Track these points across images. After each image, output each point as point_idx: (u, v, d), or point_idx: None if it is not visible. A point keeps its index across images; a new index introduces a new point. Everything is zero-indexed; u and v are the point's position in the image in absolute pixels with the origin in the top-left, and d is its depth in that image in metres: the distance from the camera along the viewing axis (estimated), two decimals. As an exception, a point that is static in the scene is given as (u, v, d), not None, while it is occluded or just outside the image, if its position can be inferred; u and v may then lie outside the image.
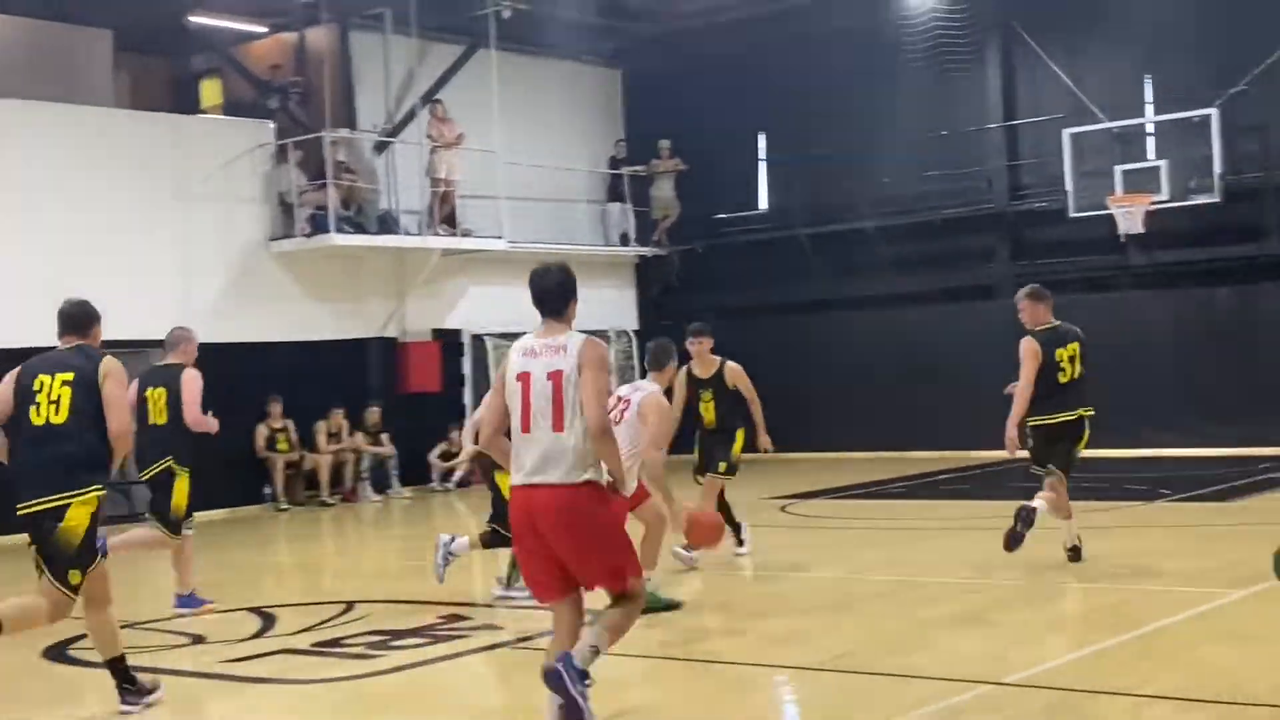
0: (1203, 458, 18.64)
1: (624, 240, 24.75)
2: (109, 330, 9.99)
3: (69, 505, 7.14)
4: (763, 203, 24.98)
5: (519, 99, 23.21)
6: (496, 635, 9.21)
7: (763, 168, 24.96)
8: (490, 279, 22.64)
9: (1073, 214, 19.81)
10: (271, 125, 19.98)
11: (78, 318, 7.64)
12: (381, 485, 20.08)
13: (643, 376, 10.81)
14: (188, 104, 21.43)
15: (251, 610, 10.53)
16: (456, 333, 22.07)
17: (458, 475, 20.83)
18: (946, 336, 21.82)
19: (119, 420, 7.32)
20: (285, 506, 18.86)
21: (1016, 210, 21.79)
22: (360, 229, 20.20)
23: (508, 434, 6.54)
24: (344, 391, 20.06)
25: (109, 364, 7.41)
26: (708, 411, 11.86)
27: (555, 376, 6.38)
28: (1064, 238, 21.08)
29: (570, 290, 6.64)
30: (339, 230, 19.34)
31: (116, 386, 7.38)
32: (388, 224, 20.63)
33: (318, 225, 19.24)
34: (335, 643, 9.14)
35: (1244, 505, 14.26)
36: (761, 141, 24.92)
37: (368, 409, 20.00)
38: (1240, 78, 19.80)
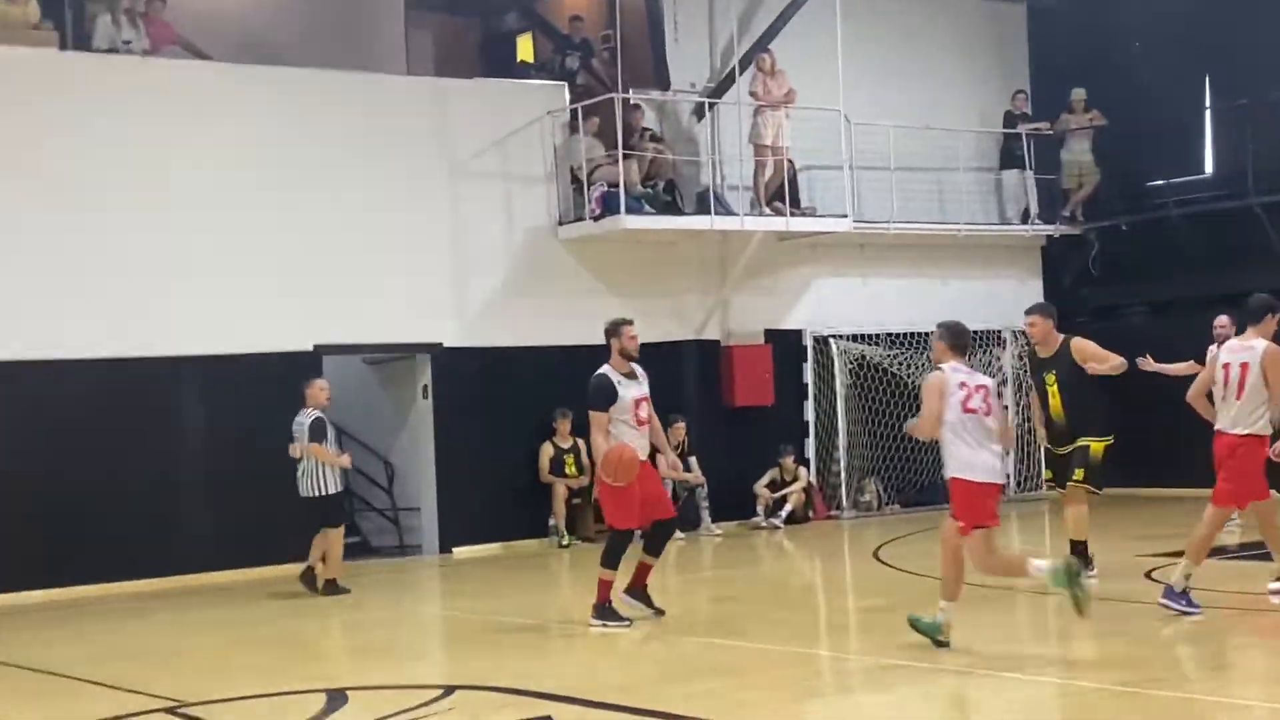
0: None
1: (1025, 217, 22.00)
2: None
3: None
4: (1208, 165, 21.59)
5: (877, 44, 21.01)
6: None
7: (1208, 120, 21.57)
8: (841, 269, 20.62)
9: None
10: (565, 88, 18.66)
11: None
12: (688, 519, 18.40)
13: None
14: (499, 67, 20.35)
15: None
16: (796, 334, 20.11)
17: (788, 508, 18.91)
18: None
19: None
20: (568, 542, 17.53)
21: None
22: (671, 208, 18.62)
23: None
24: (655, 405, 18.46)
25: None
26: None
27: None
28: None
29: None
30: (632, 210, 17.77)
31: None
32: (709, 203, 18.92)
33: (608, 205, 17.77)
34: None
35: None
36: (1206, 86, 21.55)
37: (671, 426, 18.34)
38: None
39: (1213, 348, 15.31)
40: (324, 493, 14.11)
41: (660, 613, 11.52)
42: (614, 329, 11.65)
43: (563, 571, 16.08)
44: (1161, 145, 21.63)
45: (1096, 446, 11.89)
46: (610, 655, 10.29)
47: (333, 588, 14.26)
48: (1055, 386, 11.99)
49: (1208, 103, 21.46)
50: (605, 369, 11.46)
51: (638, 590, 11.60)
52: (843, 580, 14.85)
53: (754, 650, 10.00)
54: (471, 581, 14.97)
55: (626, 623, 11.19)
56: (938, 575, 11.64)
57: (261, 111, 16.67)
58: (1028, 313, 12.30)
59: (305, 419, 14.11)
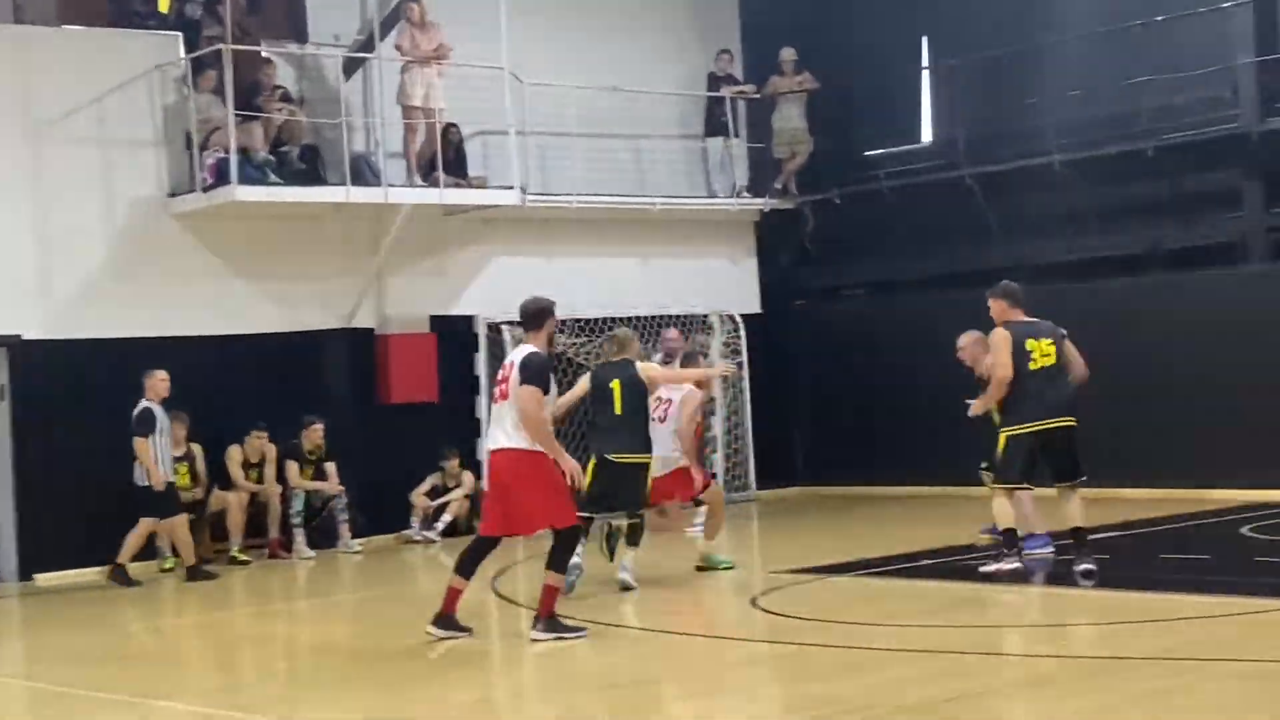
0: None
1: (734, 190, 20.37)
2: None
3: None
4: (925, 133, 20.20)
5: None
6: None
7: (926, 85, 20.17)
8: (521, 247, 18.82)
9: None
10: (179, 39, 16.53)
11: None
12: (326, 535, 16.45)
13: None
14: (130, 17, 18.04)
15: None
16: (467, 320, 18.27)
17: (447, 517, 17.07)
18: (1166, 320, 16.71)
19: None
20: (172, 564, 15.45)
21: (1269, 130, 16.42)
22: (310, 178, 16.65)
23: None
24: (290, 404, 16.53)
25: None
26: None
27: None
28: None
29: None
30: (251, 179, 15.77)
31: None
32: (359, 172, 16.97)
33: (222, 174, 15.73)
34: None
35: None
36: (924, 48, 20.16)
37: (307, 428, 16.39)
38: None
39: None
40: (139, 483, 14.61)
41: None
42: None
43: (127, 605, 13.93)
44: (879, 111, 20.28)
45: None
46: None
47: (119, 575, 14.66)
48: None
49: (925, 64, 20.06)
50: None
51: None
52: (378, 616, 12.83)
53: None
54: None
55: (582, 632, 10.02)
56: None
57: None
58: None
59: (135, 410, 14.59)
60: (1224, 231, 17.10)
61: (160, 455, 14.59)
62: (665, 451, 12.21)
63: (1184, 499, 15.64)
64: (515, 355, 10.16)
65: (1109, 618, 9.84)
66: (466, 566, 10.15)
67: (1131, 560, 12.45)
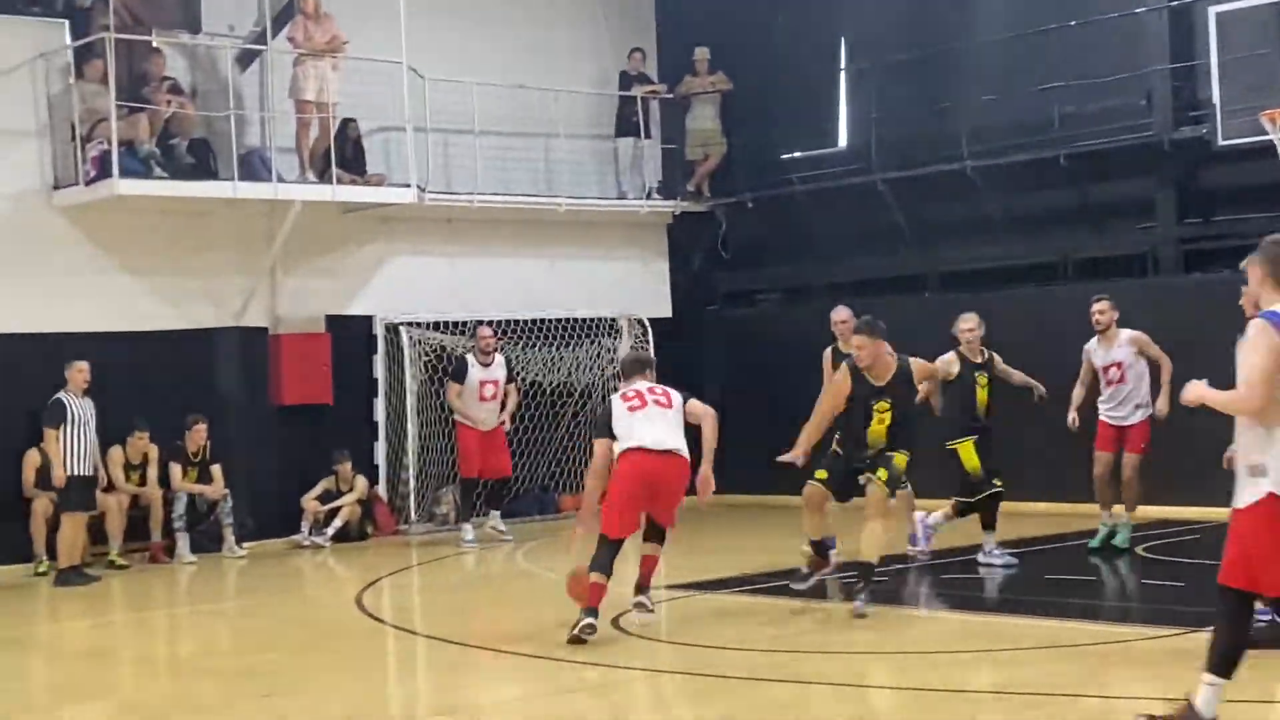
0: None
1: (645, 191, 20.09)
2: None
3: None
4: (841, 138, 19.96)
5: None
6: None
7: (842, 86, 19.91)
8: (422, 247, 18.50)
9: (1222, 142, 14.40)
10: (65, 26, 16.11)
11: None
12: (211, 539, 16.08)
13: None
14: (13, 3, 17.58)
15: None
16: (365, 321, 17.93)
17: (337, 523, 16.72)
18: (1078, 330, 16.46)
19: None
20: (46, 569, 15.05)
21: (1181, 139, 16.23)
22: (199, 171, 16.26)
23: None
24: (176, 405, 16.13)
25: None
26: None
27: None
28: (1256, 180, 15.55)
29: None
30: (132, 172, 15.38)
31: None
32: (252, 167, 16.61)
33: (105, 167, 15.33)
34: None
35: None
36: (841, 50, 19.91)
37: (193, 429, 15.99)
38: None
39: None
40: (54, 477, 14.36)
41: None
42: None
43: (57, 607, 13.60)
44: (795, 114, 20.01)
45: None
46: None
47: (67, 577, 14.25)
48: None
49: (842, 66, 19.81)
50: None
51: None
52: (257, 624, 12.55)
53: None
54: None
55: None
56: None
57: None
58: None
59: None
60: (1136, 241, 16.93)
61: (74, 449, 14.32)
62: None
63: (1093, 514, 15.36)
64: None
65: (963, 646, 9.59)
66: (603, 565, 10.20)
67: (1018, 580, 12.21)
